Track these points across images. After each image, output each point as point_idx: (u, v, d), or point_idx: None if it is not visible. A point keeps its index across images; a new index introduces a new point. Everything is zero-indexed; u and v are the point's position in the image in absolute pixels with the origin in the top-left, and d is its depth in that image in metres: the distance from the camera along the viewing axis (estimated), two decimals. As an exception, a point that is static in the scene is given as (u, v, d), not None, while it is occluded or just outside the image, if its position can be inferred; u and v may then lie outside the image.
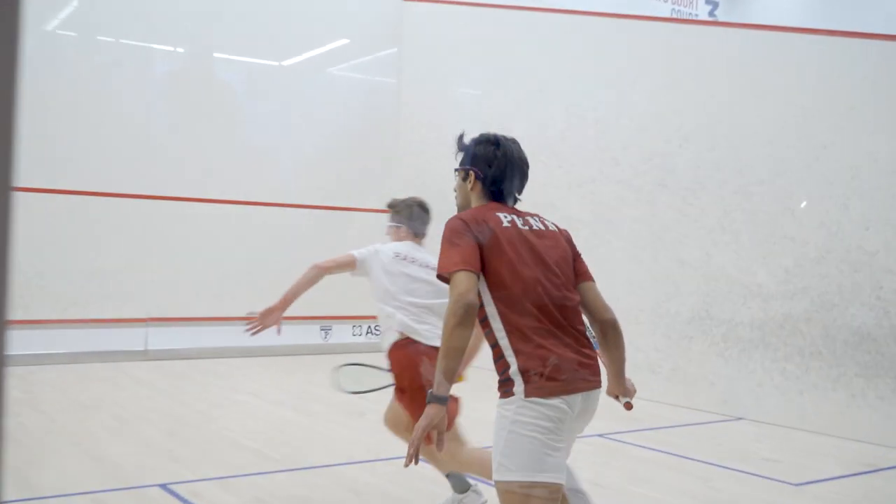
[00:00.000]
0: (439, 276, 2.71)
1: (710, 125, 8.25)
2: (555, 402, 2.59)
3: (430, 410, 2.57)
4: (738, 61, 8.16)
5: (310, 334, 11.25)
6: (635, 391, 3.03)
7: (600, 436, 6.62)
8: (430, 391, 2.60)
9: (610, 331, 2.88)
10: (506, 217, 2.82)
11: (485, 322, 2.72)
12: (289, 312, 4.24)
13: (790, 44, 7.78)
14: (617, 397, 3.02)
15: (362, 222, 11.59)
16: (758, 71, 7.94)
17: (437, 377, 2.57)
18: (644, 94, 8.92)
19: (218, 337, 10.54)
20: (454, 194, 3.05)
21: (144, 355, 10.05)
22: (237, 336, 11.29)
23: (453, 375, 2.59)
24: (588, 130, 9.43)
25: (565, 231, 3.00)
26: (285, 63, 11.62)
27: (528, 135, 10.19)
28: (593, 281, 2.94)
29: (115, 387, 8.18)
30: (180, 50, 10.89)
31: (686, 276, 8.31)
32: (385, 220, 4.67)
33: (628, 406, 3.02)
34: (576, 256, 2.95)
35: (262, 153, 11.26)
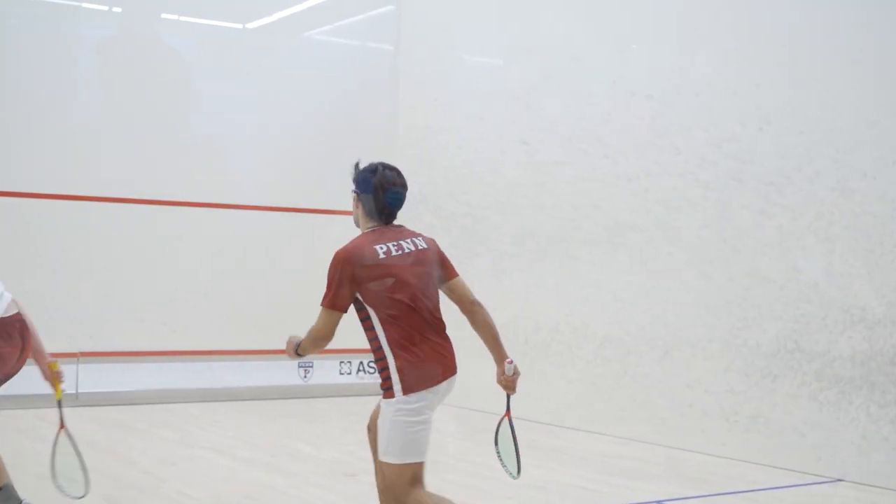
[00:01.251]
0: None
1: (797, 101, 8.28)
2: (423, 393, 4.23)
3: (290, 348, 4.49)
4: (832, 18, 8.18)
5: (286, 373, 11.03)
6: (518, 371, 4.49)
7: (659, 502, 6.65)
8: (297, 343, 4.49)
9: (477, 309, 4.53)
10: (381, 248, 4.35)
11: (368, 323, 4.32)
12: (260, 346, 4.44)
13: (900, -3, 7.82)
14: (505, 365, 4.49)
15: (346, 228, 11.60)
16: (858, 30, 7.96)
17: (306, 348, 4.45)
18: (711, 63, 8.96)
19: (167, 376, 10.56)
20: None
21: (74, 399, 10.03)
22: (193, 375, 11.41)
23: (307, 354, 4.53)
24: (640, 110, 9.48)
25: (432, 241, 4.56)
26: (251, 25, 11.70)
27: (564, 116, 10.29)
28: (459, 276, 4.61)
29: (36, 439, 8.20)
30: (117, 9, 10.97)
31: (769, 297, 8.33)
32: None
33: (513, 366, 4.49)
34: (442, 260, 4.56)
35: (220, 142, 11.31)
